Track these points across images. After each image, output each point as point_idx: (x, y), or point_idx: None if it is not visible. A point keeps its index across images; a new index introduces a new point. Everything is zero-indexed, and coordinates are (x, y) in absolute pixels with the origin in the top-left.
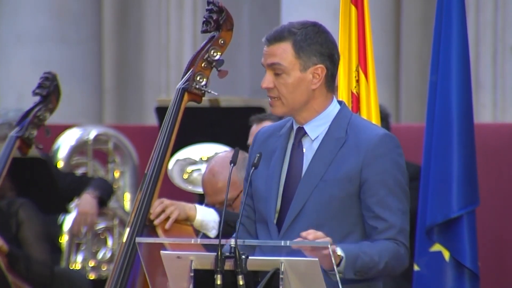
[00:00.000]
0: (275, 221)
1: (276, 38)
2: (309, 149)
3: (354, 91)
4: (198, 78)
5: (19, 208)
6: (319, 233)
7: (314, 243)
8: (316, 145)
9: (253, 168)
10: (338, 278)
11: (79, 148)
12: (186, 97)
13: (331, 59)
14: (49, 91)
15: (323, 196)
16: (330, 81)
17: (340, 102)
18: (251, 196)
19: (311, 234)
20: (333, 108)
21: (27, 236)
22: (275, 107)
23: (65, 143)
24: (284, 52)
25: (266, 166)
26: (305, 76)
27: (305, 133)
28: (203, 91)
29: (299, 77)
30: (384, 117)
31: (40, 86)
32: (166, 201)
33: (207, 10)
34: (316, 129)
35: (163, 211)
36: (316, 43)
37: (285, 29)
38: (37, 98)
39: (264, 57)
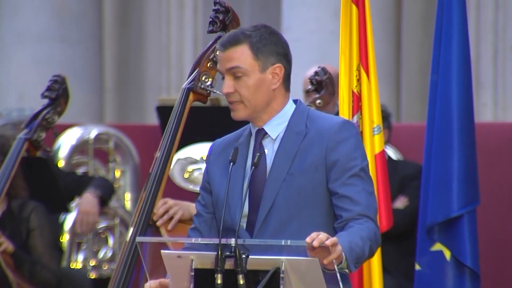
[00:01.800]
0: (244, 226)
1: (232, 42)
2: (270, 149)
3: (355, 90)
4: (203, 78)
5: (31, 213)
6: (322, 235)
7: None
8: (277, 144)
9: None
10: (339, 277)
11: (80, 148)
12: (191, 97)
13: (287, 58)
14: (58, 94)
15: (292, 189)
16: (287, 81)
17: (295, 101)
18: (211, 201)
19: (316, 240)
20: (290, 107)
21: (37, 244)
22: (237, 111)
23: (66, 143)
24: (242, 54)
25: (225, 175)
26: (265, 76)
27: (265, 133)
28: (208, 91)
29: (259, 78)
30: (386, 117)
31: (49, 89)
32: (170, 202)
33: (213, 10)
34: (276, 128)
35: (166, 211)
36: (271, 43)
37: (238, 33)
38: (45, 101)
39: (221, 62)
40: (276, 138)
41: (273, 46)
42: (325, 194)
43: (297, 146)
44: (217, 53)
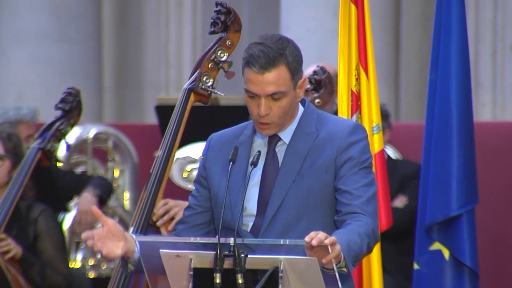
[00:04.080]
0: (250, 226)
1: (271, 64)
2: (282, 152)
3: (354, 90)
4: (204, 79)
5: (39, 216)
6: (321, 235)
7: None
8: (287, 145)
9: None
10: (337, 276)
11: (78, 147)
12: (192, 97)
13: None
14: (71, 106)
15: (302, 189)
16: None
17: (303, 102)
18: (208, 196)
19: (315, 239)
20: (299, 108)
21: (47, 248)
22: (269, 129)
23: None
24: (281, 77)
25: (225, 175)
26: (296, 92)
27: (279, 139)
28: (209, 92)
29: (293, 96)
30: (385, 116)
31: (62, 100)
32: (171, 202)
33: (215, 11)
34: (290, 134)
35: (166, 212)
36: (299, 57)
37: (273, 52)
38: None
39: (257, 86)
40: (288, 141)
41: (300, 60)
42: (333, 195)
43: (307, 147)
44: (247, 70)
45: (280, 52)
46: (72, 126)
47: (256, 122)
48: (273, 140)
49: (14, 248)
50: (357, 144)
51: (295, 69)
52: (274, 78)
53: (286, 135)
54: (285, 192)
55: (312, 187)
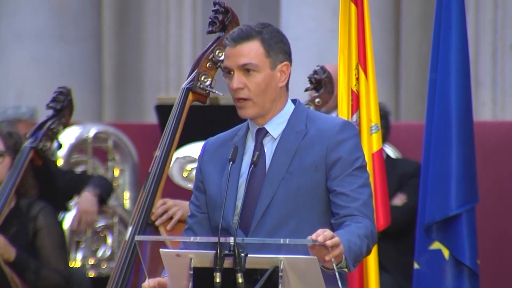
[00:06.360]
0: (237, 224)
1: (244, 37)
2: (270, 148)
3: (354, 89)
4: (202, 78)
5: (39, 212)
6: (328, 232)
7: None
8: (276, 143)
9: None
10: (337, 276)
11: (78, 146)
12: (190, 97)
13: (290, 58)
14: (62, 105)
15: (291, 187)
16: (288, 80)
17: (294, 101)
18: (204, 200)
19: (320, 236)
20: (289, 106)
21: (45, 245)
22: (246, 109)
23: (64, 141)
24: (254, 50)
25: (219, 174)
26: (275, 74)
27: (266, 132)
28: (207, 91)
29: (269, 75)
30: (384, 115)
31: (54, 100)
32: (170, 202)
33: (213, 10)
34: (278, 127)
35: (165, 211)
36: (280, 41)
37: (249, 29)
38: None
39: (230, 58)
40: (277, 137)
41: (282, 44)
42: (324, 193)
43: (296, 145)
44: (225, 49)
45: (256, 30)
46: (63, 125)
47: (234, 101)
48: (260, 133)
49: (4, 253)
50: (347, 142)
51: (271, 47)
52: (246, 51)
53: (272, 128)
54: (274, 191)
55: (302, 186)
